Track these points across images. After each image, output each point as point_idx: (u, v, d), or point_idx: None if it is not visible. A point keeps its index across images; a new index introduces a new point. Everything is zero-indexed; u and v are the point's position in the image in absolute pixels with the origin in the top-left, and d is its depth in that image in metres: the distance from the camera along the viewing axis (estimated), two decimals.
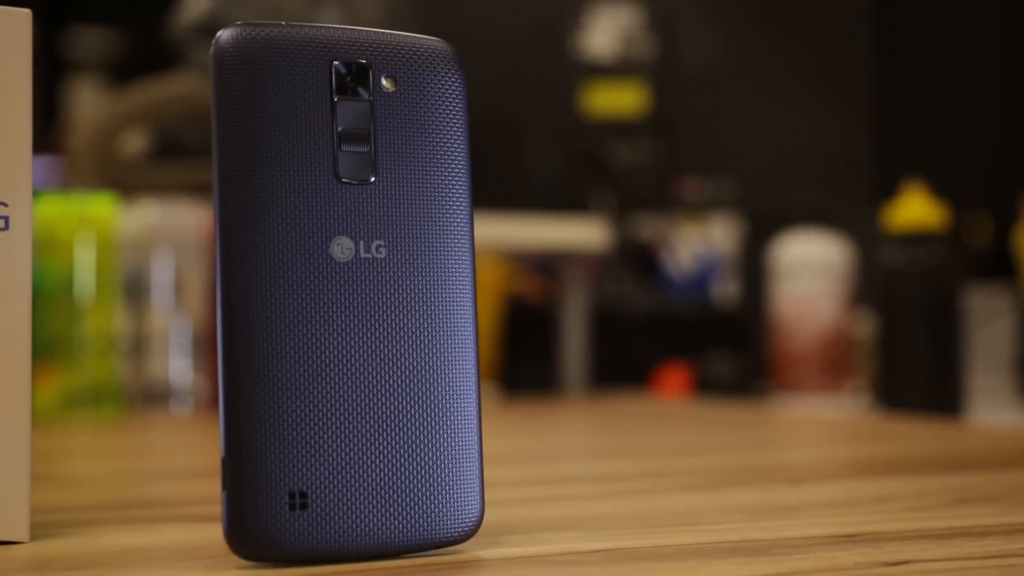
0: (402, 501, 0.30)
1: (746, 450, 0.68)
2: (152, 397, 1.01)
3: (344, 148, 0.31)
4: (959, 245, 1.59)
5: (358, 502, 0.30)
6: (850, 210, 1.69)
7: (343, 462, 0.30)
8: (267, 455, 0.29)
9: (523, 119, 1.83)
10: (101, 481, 0.55)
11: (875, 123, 1.90)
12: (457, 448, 0.31)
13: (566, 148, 1.83)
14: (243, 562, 0.30)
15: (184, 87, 1.20)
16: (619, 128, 1.83)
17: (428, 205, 0.32)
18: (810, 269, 1.38)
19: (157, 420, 0.95)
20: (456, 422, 0.31)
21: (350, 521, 0.30)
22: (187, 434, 0.84)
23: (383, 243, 0.31)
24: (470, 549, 0.32)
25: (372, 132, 0.31)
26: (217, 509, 0.38)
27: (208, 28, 1.19)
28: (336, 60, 0.31)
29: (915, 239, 1.21)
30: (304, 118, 0.31)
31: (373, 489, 0.30)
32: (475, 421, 0.32)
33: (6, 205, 0.34)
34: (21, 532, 0.34)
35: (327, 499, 0.30)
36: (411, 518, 0.30)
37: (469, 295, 0.32)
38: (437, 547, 0.31)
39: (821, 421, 0.92)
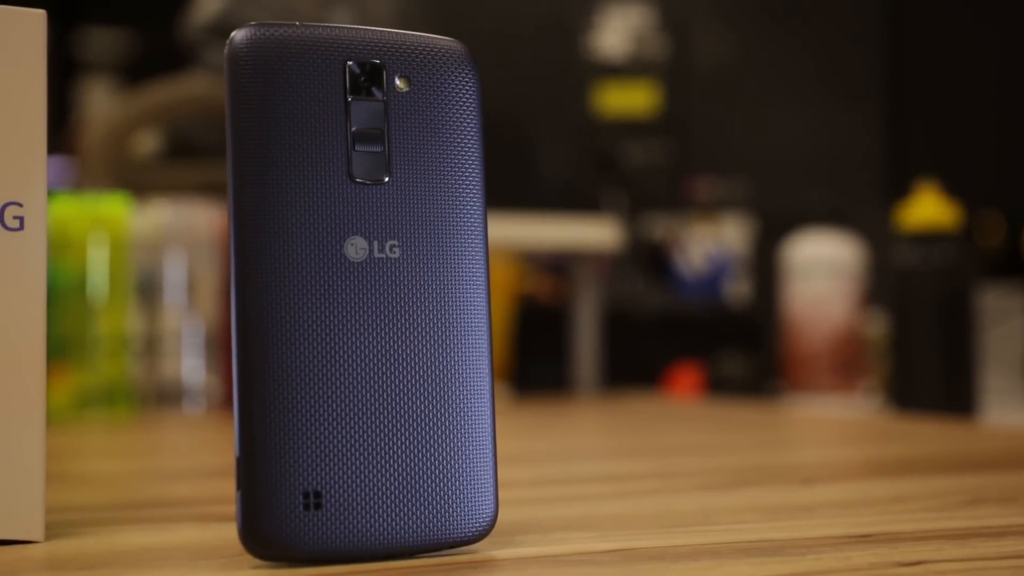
0: (416, 501, 0.30)
1: (759, 450, 0.68)
2: (165, 397, 1.01)
3: (358, 148, 0.31)
4: (971, 245, 1.59)
5: (372, 502, 0.30)
6: (862, 210, 1.69)
7: (357, 462, 0.30)
8: (281, 455, 0.29)
9: (535, 119, 1.83)
10: (115, 481, 0.55)
11: (887, 123, 1.90)
12: (471, 448, 0.31)
13: (578, 148, 1.83)
14: (258, 562, 0.30)
15: (196, 87, 1.20)
16: (631, 128, 1.83)
17: (442, 205, 0.32)
18: (822, 269, 1.37)
19: (170, 420, 0.95)
20: (470, 422, 0.31)
21: (364, 521, 0.30)
22: (200, 434, 0.85)
23: (397, 243, 0.31)
24: (484, 549, 0.32)
25: (386, 132, 0.31)
26: (231, 509, 0.38)
27: (220, 28, 1.20)
28: (350, 60, 0.31)
29: (927, 239, 1.21)
30: (318, 118, 0.31)
31: (387, 489, 0.30)
32: (489, 421, 0.32)
33: (21, 205, 0.34)
34: (36, 532, 0.34)
35: (341, 499, 0.30)
36: (425, 518, 0.30)
37: (483, 295, 0.32)
38: (451, 547, 0.31)
39: (834, 421, 0.92)
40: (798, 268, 1.39)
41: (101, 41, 1.82)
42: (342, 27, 0.31)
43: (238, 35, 0.31)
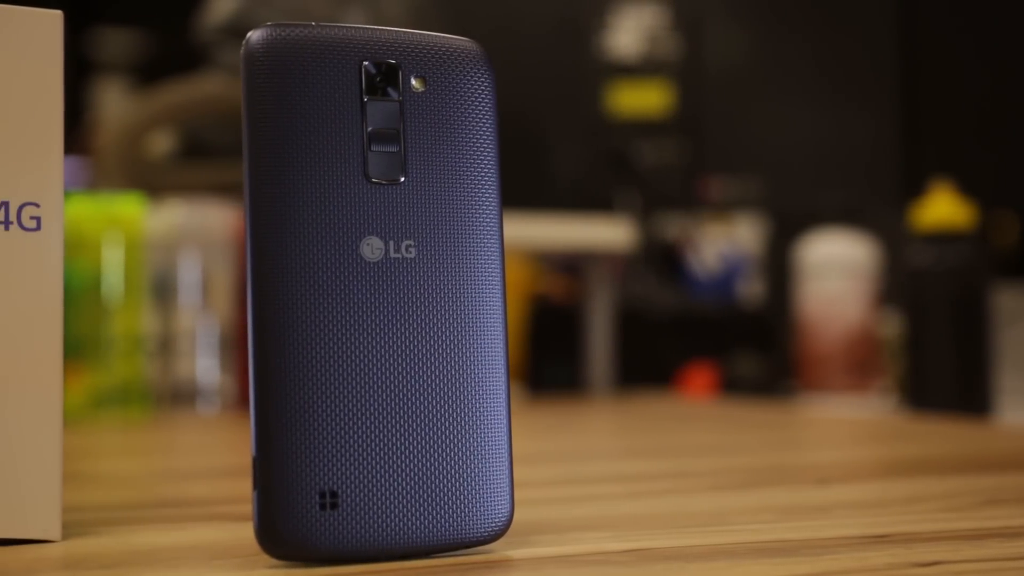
0: (432, 501, 0.30)
1: (773, 450, 0.67)
2: (179, 397, 1.02)
3: (374, 148, 0.31)
4: (986, 244, 1.58)
5: (388, 502, 0.30)
6: (876, 209, 1.68)
7: (374, 462, 0.30)
8: (298, 454, 0.29)
9: (548, 119, 1.83)
10: (131, 480, 0.55)
11: (901, 122, 1.89)
12: (487, 448, 0.31)
13: (591, 148, 1.83)
14: (274, 561, 0.30)
15: (210, 88, 1.21)
16: (644, 127, 1.83)
17: (458, 205, 0.32)
18: (836, 269, 1.37)
19: (184, 420, 0.95)
20: (486, 421, 0.31)
21: (380, 521, 0.30)
22: (215, 433, 0.85)
23: (413, 243, 0.31)
24: (500, 549, 0.32)
25: (402, 132, 0.31)
26: (247, 508, 0.38)
27: (234, 29, 1.20)
28: (366, 60, 0.31)
29: (942, 238, 1.21)
30: (334, 118, 0.31)
31: (403, 489, 0.30)
32: (505, 420, 0.32)
33: (38, 206, 0.34)
34: (53, 531, 0.34)
35: (358, 499, 0.30)
36: (441, 518, 0.31)
37: (499, 294, 0.32)
38: (467, 547, 0.31)
39: (848, 421, 0.92)
40: (812, 268, 1.39)
41: (115, 41, 1.83)
42: (358, 27, 0.31)
43: (254, 35, 0.31)
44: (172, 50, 1.41)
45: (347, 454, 0.30)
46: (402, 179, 0.31)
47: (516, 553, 0.32)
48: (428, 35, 0.32)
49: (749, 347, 1.72)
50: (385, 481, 0.30)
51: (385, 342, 0.30)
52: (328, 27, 0.31)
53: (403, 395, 0.30)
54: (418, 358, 0.31)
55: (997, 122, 1.89)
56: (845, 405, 1.32)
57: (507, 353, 0.32)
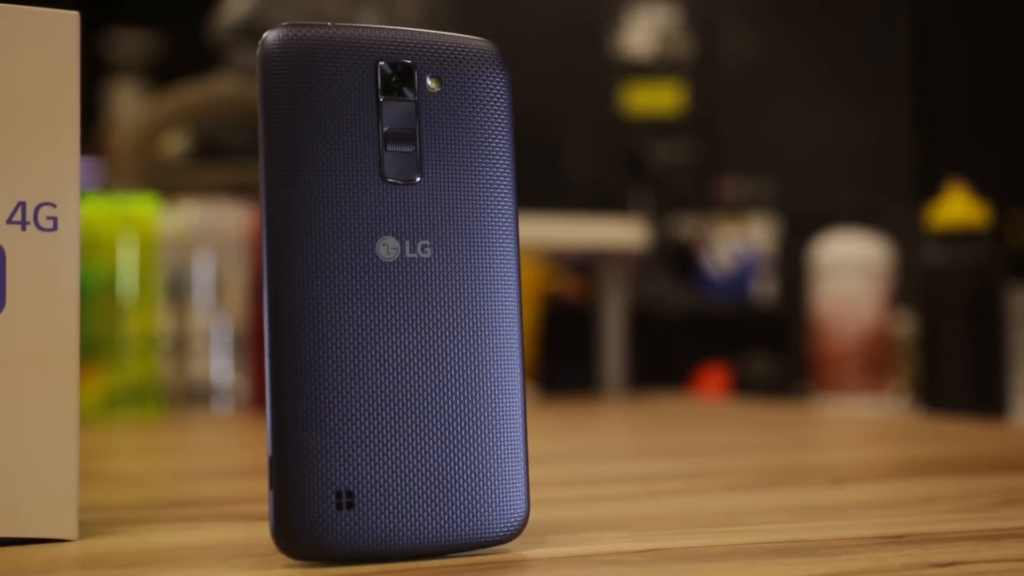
0: (448, 500, 0.30)
1: (788, 450, 0.67)
2: (194, 396, 1.02)
3: (390, 148, 0.31)
4: (1001, 244, 1.58)
5: (404, 501, 0.30)
6: (891, 208, 1.68)
7: (390, 461, 0.30)
8: (314, 454, 0.29)
9: (562, 118, 1.83)
10: (147, 480, 0.55)
11: (916, 120, 1.89)
12: (503, 448, 0.31)
13: (605, 147, 1.83)
14: (290, 561, 0.30)
15: (224, 88, 1.21)
16: (658, 127, 1.82)
17: (473, 205, 0.32)
18: (850, 268, 1.37)
19: (199, 419, 0.95)
20: (502, 421, 0.31)
21: (396, 520, 0.30)
22: (229, 433, 0.85)
23: (429, 243, 0.31)
24: (516, 549, 0.32)
25: (417, 132, 0.31)
26: (263, 508, 0.38)
27: (248, 29, 1.20)
28: (381, 60, 0.31)
29: (957, 238, 1.20)
30: (350, 118, 0.31)
31: (419, 488, 0.30)
32: (520, 420, 0.32)
33: (54, 206, 0.34)
34: (70, 530, 0.34)
35: (374, 498, 0.30)
36: (457, 517, 0.31)
37: (514, 294, 0.32)
38: (483, 547, 0.31)
39: (862, 421, 0.92)
40: (826, 267, 1.39)
41: (130, 42, 1.83)
42: (374, 27, 0.31)
43: (270, 36, 0.31)
44: (186, 50, 1.41)
45: (363, 454, 0.30)
46: (418, 179, 0.31)
47: (532, 553, 0.32)
48: (444, 35, 0.32)
49: (763, 347, 1.72)
50: (401, 481, 0.30)
51: (401, 342, 0.30)
52: (344, 27, 0.31)
53: (419, 395, 0.30)
54: (434, 358, 0.31)
55: (1012, 121, 1.89)
56: (859, 405, 1.31)
57: (523, 353, 0.32)
